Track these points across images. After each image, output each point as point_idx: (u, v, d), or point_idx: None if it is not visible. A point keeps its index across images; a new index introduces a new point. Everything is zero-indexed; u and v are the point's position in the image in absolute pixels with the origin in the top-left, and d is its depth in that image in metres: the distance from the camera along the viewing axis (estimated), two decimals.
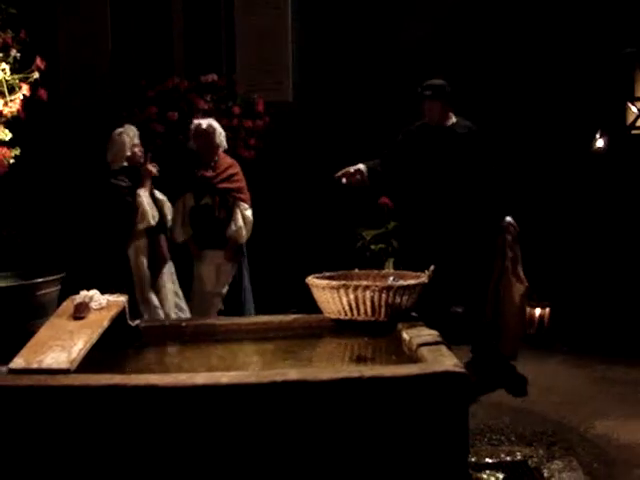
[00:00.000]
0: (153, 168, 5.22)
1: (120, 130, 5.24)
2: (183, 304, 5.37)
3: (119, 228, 5.09)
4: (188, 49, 7.08)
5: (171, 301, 5.20)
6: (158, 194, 5.27)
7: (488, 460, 3.69)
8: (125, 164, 5.20)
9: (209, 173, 5.41)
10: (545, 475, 3.60)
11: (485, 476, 3.56)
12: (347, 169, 4.98)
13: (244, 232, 5.42)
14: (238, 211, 5.41)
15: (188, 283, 5.49)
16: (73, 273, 5.27)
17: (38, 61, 4.81)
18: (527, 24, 6.77)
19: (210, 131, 5.39)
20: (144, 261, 5.12)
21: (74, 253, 6.19)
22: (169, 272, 5.29)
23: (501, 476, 3.57)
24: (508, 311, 4.81)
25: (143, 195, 5.09)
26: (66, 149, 6.56)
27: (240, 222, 5.39)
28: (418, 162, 4.97)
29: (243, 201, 5.45)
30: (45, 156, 6.39)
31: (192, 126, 5.48)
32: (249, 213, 5.45)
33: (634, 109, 6.82)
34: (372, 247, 6.32)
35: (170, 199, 5.41)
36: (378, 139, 6.75)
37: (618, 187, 6.59)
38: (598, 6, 6.70)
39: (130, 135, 5.22)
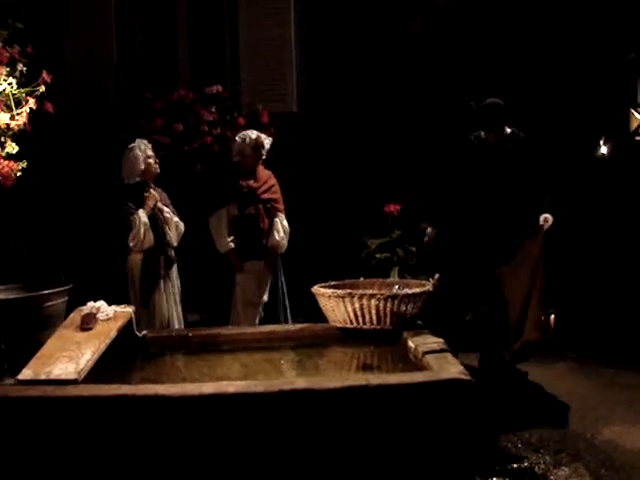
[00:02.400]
0: (155, 194, 5.17)
1: (132, 145, 5.23)
2: (181, 321, 5.31)
3: (118, 244, 5.09)
4: (193, 61, 7.12)
5: (164, 319, 5.13)
6: (166, 212, 5.21)
7: (495, 467, 3.69)
8: (139, 179, 5.18)
9: (254, 183, 5.47)
10: None
11: None
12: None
13: (284, 242, 5.52)
14: (278, 221, 5.50)
15: (226, 294, 5.50)
16: (80, 285, 5.28)
17: (44, 75, 4.83)
18: (531, 30, 6.79)
19: (260, 145, 5.47)
20: (137, 277, 5.08)
21: (81, 265, 6.22)
22: (165, 290, 5.18)
23: None
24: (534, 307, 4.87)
25: (139, 217, 5.02)
26: (72, 162, 6.59)
27: (282, 232, 5.49)
28: (481, 176, 4.99)
29: (281, 211, 5.54)
30: (52, 169, 6.42)
31: (239, 137, 5.51)
32: (286, 223, 5.55)
33: (637, 115, 6.83)
34: (377, 256, 6.33)
35: (201, 209, 5.42)
36: (383, 148, 6.83)
37: (622, 193, 6.60)
38: (601, 12, 6.72)
39: (142, 149, 5.20)
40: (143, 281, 5.09)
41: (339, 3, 6.95)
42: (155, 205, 5.14)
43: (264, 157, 5.57)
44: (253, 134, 5.51)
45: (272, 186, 5.55)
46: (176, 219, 5.27)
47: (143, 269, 5.09)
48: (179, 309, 5.30)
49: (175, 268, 5.29)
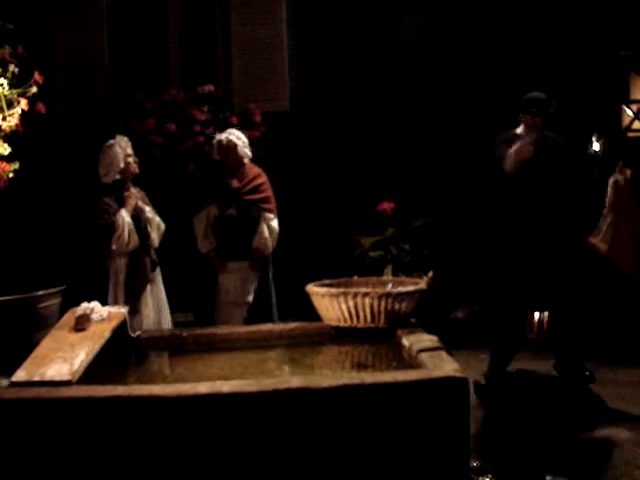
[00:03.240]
0: (136, 192, 5.05)
1: (111, 142, 5.02)
2: (168, 323, 5.23)
3: (100, 245, 4.91)
4: (184, 60, 7.11)
5: (150, 324, 5.00)
6: (148, 212, 5.06)
7: (490, 465, 3.69)
8: (118, 177, 4.99)
9: (235, 184, 5.38)
10: (547, 478, 3.61)
11: None
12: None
13: (269, 243, 5.38)
14: (263, 222, 5.37)
15: (211, 294, 5.47)
16: (74, 285, 5.27)
17: (36, 76, 4.83)
18: (523, 27, 6.80)
19: (231, 146, 5.35)
20: (122, 282, 4.91)
21: (74, 266, 6.20)
22: (151, 293, 5.07)
23: None
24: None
25: (123, 217, 4.86)
26: (64, 162, 6.57)
27: (266, 233, 5.35)
28: (523, 178, 4.79)
29: (269, 211, 5.40)
30: (44, 170, 6.41)
31: (214, 142, 5.45)
32: (274, 223, 5.41)
33: (629, 112, 6.84)
34: (371, 254, 6.33)
35: (193, 209, 5.36)
36: (375, 146, 6.83)
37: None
38: (593, 9, 6.74)
39: (122, 146, 5.00)
40: (128, 286, 4.91)
41: (331, 2, 6.95)
42: (136, 204, 4.98)
43: (248, 157, 5.46)
44: (224, 138, 5.39)
45: (259, 185, 5.43)
46: (158, 219, 5.13)
47: (129, 273, 4.90)
48: (166, 314, 5.20)
49: (159, 271, 5.16)
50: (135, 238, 4.87)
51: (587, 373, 4.84)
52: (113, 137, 5.08)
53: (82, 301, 4.00)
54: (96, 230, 4.88)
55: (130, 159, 5.03)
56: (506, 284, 4.83)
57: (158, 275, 5.15)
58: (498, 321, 4.92)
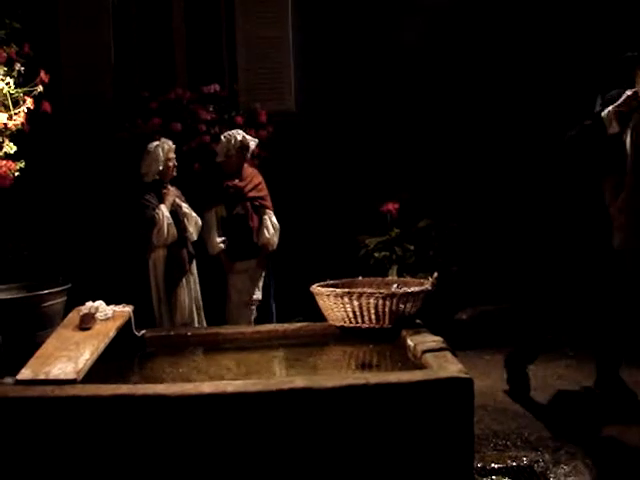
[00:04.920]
0: (173, 190, 5.32)
1: (155, 143, 5.31)
2: (201, 316, 5.43)
3: (140, 240, 5.19)
4: (190, 60, 7.11)
5: (185, 312, 5.24)
6: (185, 208, 5.34)
7: (494, 465, 3.68)
8: (157, 177, 5.28)
9: (239, 183, 5.50)
10: None
11: None
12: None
13: (275, 238, 5.55)
14: (267, 218, 5.52)
15: (221, 294, 5.56)
16: (79, 284, 5.29)
17: (42, 74, 4.83)
18: (527, 28, 6.80)
19: (245, 144, 5.50)
20: (161, 272, 5.19)
21: (80, 264, 6.22)
22: (187, 284, 5.31)
23: None
24: None
25: (162, 212, 5.15)
26: (70, 161, 6.58)
27: (272, 229, 5.52)
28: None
29: (269, 208, 5.57)
30: (50, 168, 6.42)
31: (231, 138, 5.52)
32: (275, 220, 5.58)
33: None
34: (375, 254, 6.33)
35: (199, 211, 5.46)
36: (381, 147, 6.83)
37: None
38: (598, 10, 6.72)
39: (165, 149, 5.28)
40: (167, 277, 5.19)
41: (337, 2, 6.95)
42: (174, 201, 5.26)
43: (249, 157, 5.61)
44: (239, 135, 5.52)
45: (258, 184, 5.57)
46: (194, 215, 5.38)
47: (167, 264, 5.19)
48: (200, 304, 5.44)
49: (195, 264, 5.42)
50: (174, 231, 5.17)
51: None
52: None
53: (87, 300, 4.01)
54: (137, 224, 5.20)
55: (170, 163, 5.33)
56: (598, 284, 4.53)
57: (194, 267, 5.41)
58: (601, 323, 4.60)
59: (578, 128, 4.54)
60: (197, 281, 5.43)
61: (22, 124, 4.78)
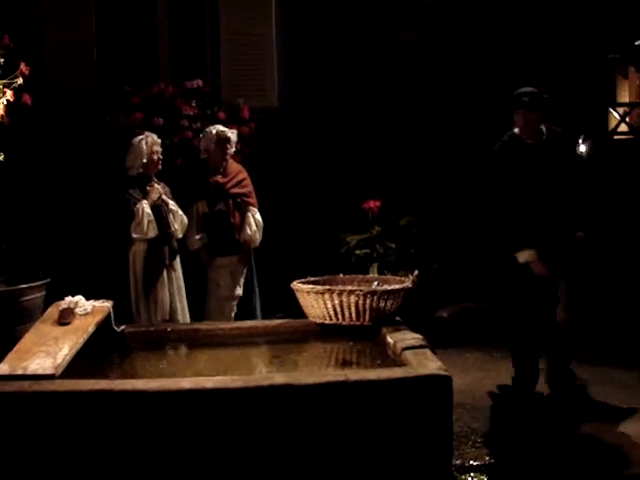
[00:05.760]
0: (158, 187, 5.27)
1: (140, 137, 5.29)
2: (185, 312, 5.39)
3: (121, 234, 5.16)
4: (173, 55, 7.07)
5: (165, 308, 5.20)
6: (172, 205, 5.30)
7: (473, 463, 3.71)
8: (141, 170, 5.25)
9: (221, 179, 5.49)
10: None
11: (469, 479, 3.58)
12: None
13: (258, 235, 5.54)
14: (250, 215, 5.52)
15: (201, 289, 5.54)
16: (59, 279, 5.25)
17: (22, 67, 4.79)
18: (511, 29, 6.83)
19: (224, 138, 5.48)
20: (140, 267, 5.15)
21: (60, 259, 6.17)
22: (169, 280, 5.26)
23: (485, 478, 3.60)
24: None
25: (143, 207, 5.10)
26: (51, 154, 6.53)
27: (254, 226, 5.51)
28: (527, 183, 4.57)
29: (253, 205, 5.56)
30: (30, 162, 6.37)
31: (207, 132, 5.53)
32: (259, 217, 5.57)
33: (616, 115, 6.89)
34: (357, 252, 6.33)
35: (181, 207, 5.42)
36: (363, 145, 6.84)
37: (601, 191, 6.64)
38: (581, 13, 6.77)
39: (149, 143, 5.25)
40: (146, 271, 5.15)
41: (321, 0, 6.94)
42: (159, 198, 5.22)
43: (232, 150, 5.57)
44: (214, 129, 5.53)
45: (242, 180, 5.57)
46: (180, 212, 5.34)
47: (146, 259, 5.15)
48: (184, 301, 5.39)
49: (178, 260, 5.37)
50: (153, 227, 5.12)
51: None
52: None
53: (67, 295, 3.98)
54: (118, 218, 5.17)
55: (154, 156, 5.29)
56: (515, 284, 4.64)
57: (178, 264, 5.36)
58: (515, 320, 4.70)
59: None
60: (180, 277, 5.38)
61: (1, 116, 4.73)
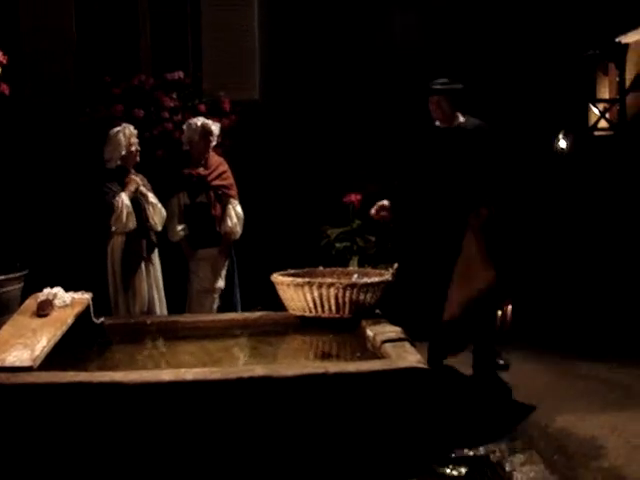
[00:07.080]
0: (137, 179, 5.24)
1: (117, 129, 5.26)
2: (162, 305, 5.38)
3: (99, 227, 5.13)
4: (154, 46, 7.01)
5: (144, 301, 5.19)
6: (151, 198, 5.28)
7: (452, 455, 3.73)
8: (119, 163, 5.22)
9: (203, 171, 5.48)
10: (507, 469, 3.65)
11: (448, 470, 3.60)
12: (381, 204, 4.87)
13: (239, 228, 5.54)
14: (231, 207, 5.52)
15: (182, 282, 5.54)
16: (37, 270, 5.22)
17: (0, 56, 4.75)
18: (491, 26, 6.85)
19: (207, 130, 5.47)
20: (118, 260, 5.13)
21: (38, 250, 6.13)
22: (147, 273, 5.26)
23: (464, 470, 3.62)
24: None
25: (122, 199, 5.08)
26: (29, 145, 6.47)
27: (235, 218, 5.51)
28: (432, 167, 4.74)
29: (233, 197, 5.56)
30: (7, 152, 6.31)
31: (192, 124, 5.52)
32: (240, 209, 5.57)
33: (596, 111, 6.94)
34: (337, 245, 6.34)
35: (161, 199, 5.42)
36: (344, 138, 6.83)
37: (581, 187, 6.70)
38: (561, 9, 6.80)
39: (126, 134, 5.23)
40: (124, 264, 5.13)
41: None
42: (137, 189, 5.20)
43: (214, 143, 5.59)
44: (199, 121, 5.54)
45: (223, 172, 5.57)
46: (160, 205, 5.33)
47: (125, 252, 5.13)
48: (162, 294, 5.40)
49: (157, 252, 5.37)
50: (133, 220, 5.11)
51: (501, 362, 4.93)
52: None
53: (45, 286, 3.96)
54: (97, 210, 5.15)
55: (132, 148, 5.27)
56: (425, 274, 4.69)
57: (156, 257, 5.37)
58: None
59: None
60: (158, 269, 5.39)
61: None
